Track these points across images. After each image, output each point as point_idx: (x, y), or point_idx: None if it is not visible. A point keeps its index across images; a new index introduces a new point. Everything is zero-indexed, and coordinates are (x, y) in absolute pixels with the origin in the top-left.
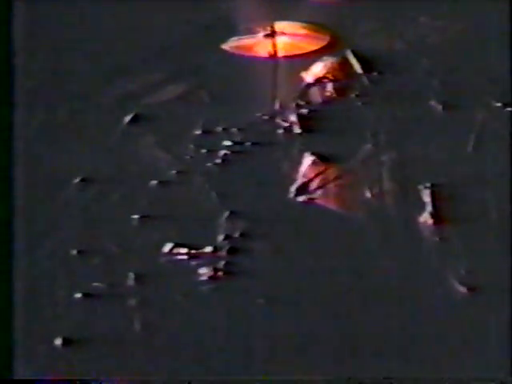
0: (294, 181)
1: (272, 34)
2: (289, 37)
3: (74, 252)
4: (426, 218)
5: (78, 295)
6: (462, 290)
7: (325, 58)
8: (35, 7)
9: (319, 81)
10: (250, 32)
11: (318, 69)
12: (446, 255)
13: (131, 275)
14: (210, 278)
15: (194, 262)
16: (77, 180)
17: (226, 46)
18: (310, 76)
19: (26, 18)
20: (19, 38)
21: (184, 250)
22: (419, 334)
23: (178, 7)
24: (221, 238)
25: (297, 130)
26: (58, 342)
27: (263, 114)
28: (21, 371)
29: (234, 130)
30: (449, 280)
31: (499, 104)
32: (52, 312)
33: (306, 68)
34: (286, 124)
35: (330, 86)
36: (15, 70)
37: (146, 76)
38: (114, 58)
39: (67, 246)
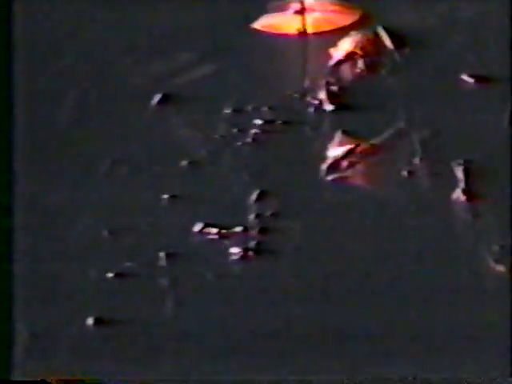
0: (324, 159)
1: (301, 11)
2: (318, 13)
3: (106, 232)
4: (458, 194)
5: (110, 275)
6: (496, 267)
7: (352, 33)
8: None
9: (349, 57)
10: (279, 10)
11: (346, 44)
12: (479, 232)
13: (162, 255)
14: (241, 257)
15: (224, 242)
16: (107, 161)
17: (255, 25)
18: (338, 52)
19: None
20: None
21: (214, 230)
22: (451, 312)
23: None
24: (251, 217)
25: (327, 107)
26: (90, 321)
27: (293, 92)
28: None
29: (265, 108)
30: (482, 257)
31: None
32: (84, 292)
33: (335, 44)
34: (316, 102)
35: (360, 63)
36: (48, 53)
37: (175, 57)
38: (142, 40)
39: (98, 226)
